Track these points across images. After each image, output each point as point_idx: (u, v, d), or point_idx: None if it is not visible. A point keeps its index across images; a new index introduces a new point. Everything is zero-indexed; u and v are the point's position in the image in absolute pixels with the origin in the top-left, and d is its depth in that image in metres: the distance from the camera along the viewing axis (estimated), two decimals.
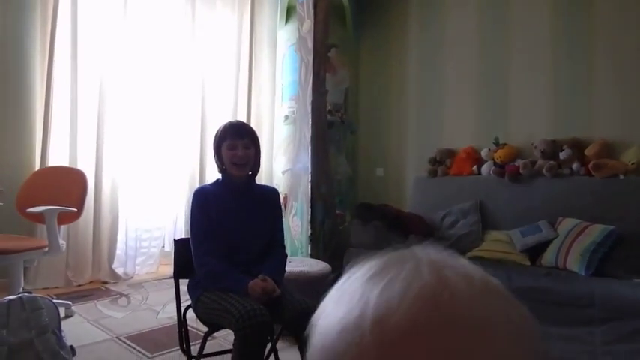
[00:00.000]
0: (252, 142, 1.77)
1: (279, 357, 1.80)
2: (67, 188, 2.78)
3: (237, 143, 1.72)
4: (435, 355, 0.27)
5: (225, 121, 1.86)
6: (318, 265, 2.83)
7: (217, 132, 1.79)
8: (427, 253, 0.33)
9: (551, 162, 2.90)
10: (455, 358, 0.28)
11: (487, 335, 0.29)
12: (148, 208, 3.94)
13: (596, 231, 2.45)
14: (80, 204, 2.71)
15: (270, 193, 1.86)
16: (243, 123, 1.90)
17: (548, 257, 2.52)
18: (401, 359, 0.27)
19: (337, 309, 0.32)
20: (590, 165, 2.73)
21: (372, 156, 4.17)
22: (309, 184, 3.37)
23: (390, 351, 0.28)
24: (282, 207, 3.50)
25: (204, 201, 1.71)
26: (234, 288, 1.55)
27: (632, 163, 2.64)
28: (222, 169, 1.78)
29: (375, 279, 0.31)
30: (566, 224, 2.61)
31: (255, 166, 1.81)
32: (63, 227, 3.14)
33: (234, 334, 1.39)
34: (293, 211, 3.49)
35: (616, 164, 2.69)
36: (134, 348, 2.31)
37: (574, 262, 2.40)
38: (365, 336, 0.28)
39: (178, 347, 1.79)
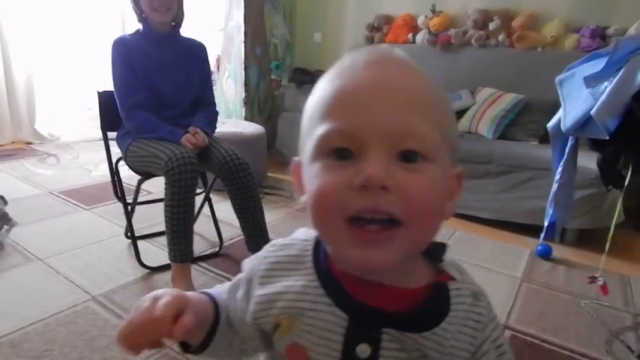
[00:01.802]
0: None
1: (214, 207, 1.96)
2: None
3: None
4: (381, 77, 0.40)
5: None
6: (251, 127, 2.90)
7: None
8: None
9: (481, 32, 2.99)
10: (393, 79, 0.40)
11: (421, 72, 0.42)
12: (68, 66, 3.65)
13: (507, 99, 2.68)
14: None
15: (197, 47, 1.79)
16: None
17: (463, 122, 2.76)
18: (365, 76, 0.40)
19: (323, 77, 0.44)
20: (514, 36, 2.85)
21: (310, 18, 4.00)
22: (243, 44, 3.24)
23: (359, 72, 0.40)
24: (216, 68, 3.40)
25: (125, 51, 1.62)
26: (168, 138, 1.58)
27: (552, 36, 2.80)
28: (141, 17, 1.66)
29: (346, 55, 0.44)
30: (484, 93, 2.82)
31: (179, 15, 1.71)
32: None
33: (165, 179, 1.47)
34: (227, 73, 3.40)
35: (537, 36, 2.83)
36: (69, 201, 2.36)
37: (484, 127, 2.66)
38: (342, 71, 0.42)
39: (115, 200, 1.87)
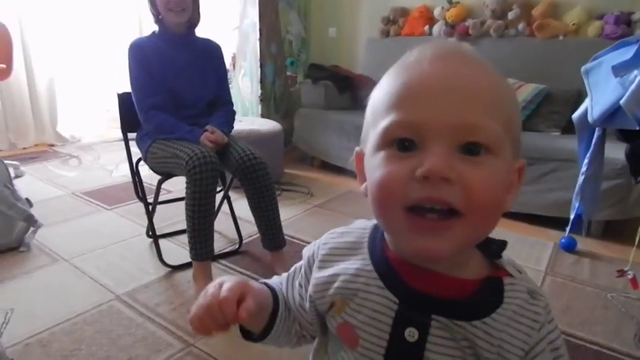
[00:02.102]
0: None
1: (233, 205, 1.97)
2: None
3: None
4: (456, 68, 0.41)
5: None
6: (268, 125, 2.90)
7: None
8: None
9: (499, 22, 2.92)
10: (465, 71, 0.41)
11: (487, 67, 0.43)
12: (88, 69, 3.71)
13: (528, 90, 2.62)
14: (7, 60, 2.51)
15: (213, 48, 1.80)
16: None
17: None
18: (430, 70, 0.40)
19: (386, 74, 0.45)
20: (535, 25, 2.78)
21: (324, 13, 3.98)
22: (258, 42, 3.24)
23: (424, 66, 0.41)
24: (231, 67, 3.41)
25: (141, 54, 1.64)
26: (187, 137, 1.59)
27: (574, 24, 2.72)
28: (157, 18, 1.68)
29: (410, 51, 0.45)
30: None
31: (195, 16, 1.72)
32: None
33: (186, 178, 1.48)
34: (242, 71, 3.41)
35: (558, 25, 2.76)
36: (91, 201, 2.41)
37: None
38: (408, 66, 0.43)
39: (135, 200, 1.90)
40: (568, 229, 1.88)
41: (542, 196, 2.18)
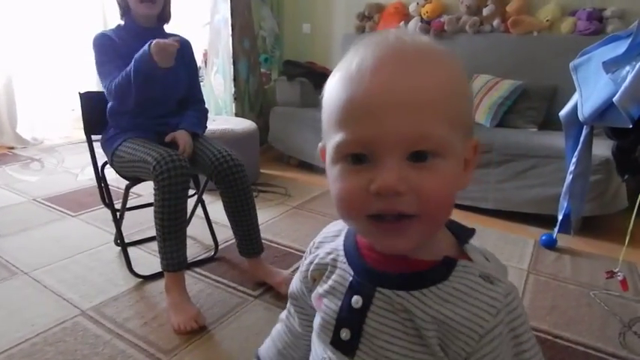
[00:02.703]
0: None
1: (207, 209, 1.87)
2: None
3: None
4: (397, 74, 0.40)
5: None
6: (243, 124, 2.81)
7: None
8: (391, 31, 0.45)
9: (475, 18, 2.91)
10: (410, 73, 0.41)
11: (433, 63, 0.43)
12: (49, 66, 3.51)
13: (505, 86, 2.62)
14: None
15: (183, 44, 1.69)
16: None
17: None
18: (373, 84, 0.40)
19: (334, 74, 0.45)
20: (509, 21, 2.78)
21: (298, 9, 3.89)
22: (231, 38, 3.13)
23: (367, 79, 0.41)
24: (203, 64, 3.29)
25: (107, 42, 1.52)
26: (140, 59, 1.40)
27: (547, 20, 2.73)
28: (125, 10, 1.57)
29: (355, 49, 0.44)
30: (480, 80, 2.75)
31: (166, 13, 1.62)
32: None
33: (154, 184, 1.38)
34: (215, 68, 3.29)
35: (532, 21, 2.77)
36: (55, 208, 2.26)
37: (482, 115, 2.60)
38: (351, 76, 0.42)
39: (102, 205, 1.78)
40: (556, 229, 1.86)
41: (522, 192, 2.17)
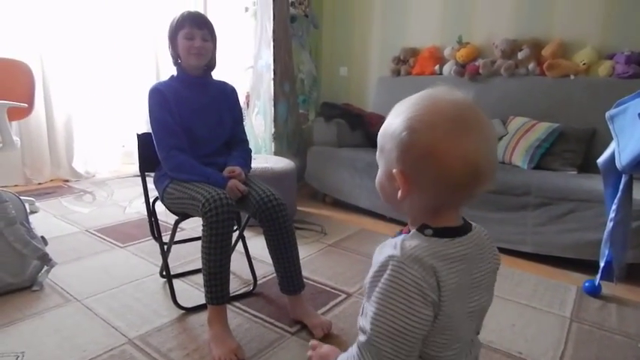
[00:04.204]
0: (211, 35, 1.70)
1: (247, 244, 1.95)
2: (11, 82, 2.62)
3: (195, 33, 1.65)
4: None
5: (180, 11, 1.75)
6: (281, 162, 2.92)
7: (173, 21, 1.69)
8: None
9: (510, 61, 2.97)
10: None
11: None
12: (104, 106, 3.80)
13: (541, 128, 2.62)
14: (29, 99, 2.58)
15: (228, 89, 1.84)
16: (201, 13, 1.79)
17: None
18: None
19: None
20: (545, 65, 2.82)
21: (335, 54, 4.08)
22: (272, 81, 3.31)
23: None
24: (245, 105, 3.47)
25: (161, 97, 1.67)
26: (212, 182, 1.58)
27: (584, 64, 2.75)
28: (176, 61, 1.72)
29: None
30: (516, 122, 2.77)
31: (212, 61, 1.77)
32: (14, 125, 3.02)
33: (202, 220, 1.47)
34: (256, 110, 3.46)
35: (568, 64, 2.79)
36: (105, 239, 2.40)
37: (518, 157, 2.60)
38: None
39: (149, 238, 1.89)
40: (598, 276, 1.82)
41: (562, 236, 2.13)
